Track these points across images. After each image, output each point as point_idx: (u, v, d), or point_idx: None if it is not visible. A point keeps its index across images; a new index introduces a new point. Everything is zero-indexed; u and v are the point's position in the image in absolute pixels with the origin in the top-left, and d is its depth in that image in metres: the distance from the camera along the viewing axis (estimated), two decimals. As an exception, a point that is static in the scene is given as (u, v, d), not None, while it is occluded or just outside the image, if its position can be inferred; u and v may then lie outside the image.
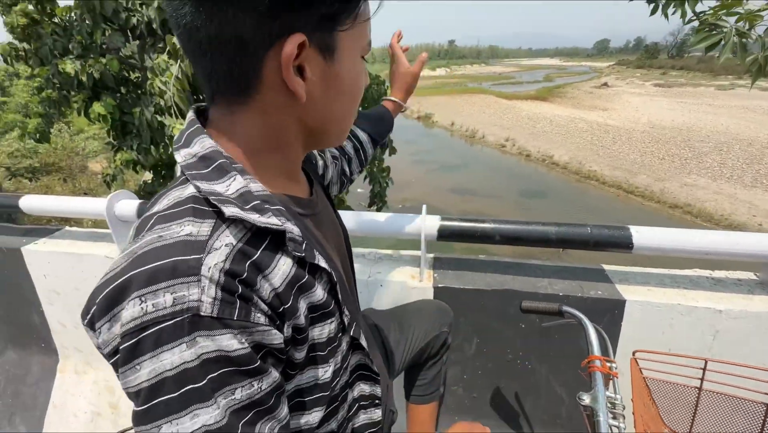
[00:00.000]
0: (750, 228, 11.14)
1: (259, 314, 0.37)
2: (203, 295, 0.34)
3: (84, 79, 3.46)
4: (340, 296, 0.49)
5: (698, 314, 1.10)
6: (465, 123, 24.44)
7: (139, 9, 3.20)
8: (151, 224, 0.38)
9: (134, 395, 0.35)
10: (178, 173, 0.44)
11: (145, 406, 0.34)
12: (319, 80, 0.43)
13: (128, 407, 0.36)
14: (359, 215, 1.33)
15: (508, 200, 13.61)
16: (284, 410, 0.42)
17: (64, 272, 1.58)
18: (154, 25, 3.38)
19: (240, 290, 0.36)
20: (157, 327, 0.33)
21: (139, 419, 0.34)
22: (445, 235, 1.24)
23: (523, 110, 28.92)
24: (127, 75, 4.21)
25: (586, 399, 0.68)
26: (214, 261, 0.36)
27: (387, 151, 5.94)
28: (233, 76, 0.41)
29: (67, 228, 1.76)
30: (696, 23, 0.96)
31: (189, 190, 0.40)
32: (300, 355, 0.44)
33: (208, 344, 0.34)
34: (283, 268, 0.41)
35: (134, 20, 3.27)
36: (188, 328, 0.33)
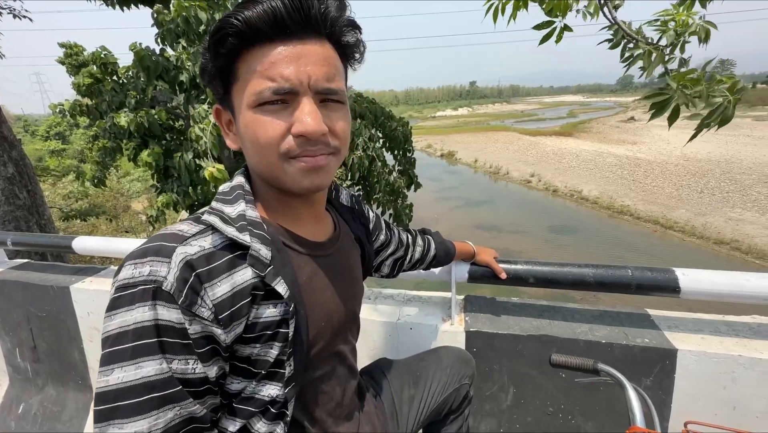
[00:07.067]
0: (812, 267, 10.15)
1: (203, 308, 0.45)
2: (169, 274, 0.44)
3: (134, 129, 3.81)
4: (290, 332, 0.52)
5: (765, 367, 0.99)
6: (488, 160, 24.40)
7: (187, 66, 3.55)
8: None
9: (104, 341, 0.43)
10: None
11: (107, 351, 0.43)
12: (237, 133, 0.57)
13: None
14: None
15: (537, 236, 13.18)
16: (206, 404, 0.47)
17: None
18: (198, 80, 3.72)
19: (191, 281, 0.45)
20: (134, 290, 0.43)
21: (102, 359, 0.43)
22: (476, 276, 1.21)
23: (548, 146, 28.71)
24: (172, 123, 4.60)
25: None
26: (185, 251, 0.46)
27: (412, 187, 5.99)
28: None
29: (112, 267, 1.86)
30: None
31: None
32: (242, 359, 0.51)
33: (162, 312, 0.43)
34: (240, 277, 0.48)
35: (182, 77, 3.62)
36: (152, 295, 0.43)
